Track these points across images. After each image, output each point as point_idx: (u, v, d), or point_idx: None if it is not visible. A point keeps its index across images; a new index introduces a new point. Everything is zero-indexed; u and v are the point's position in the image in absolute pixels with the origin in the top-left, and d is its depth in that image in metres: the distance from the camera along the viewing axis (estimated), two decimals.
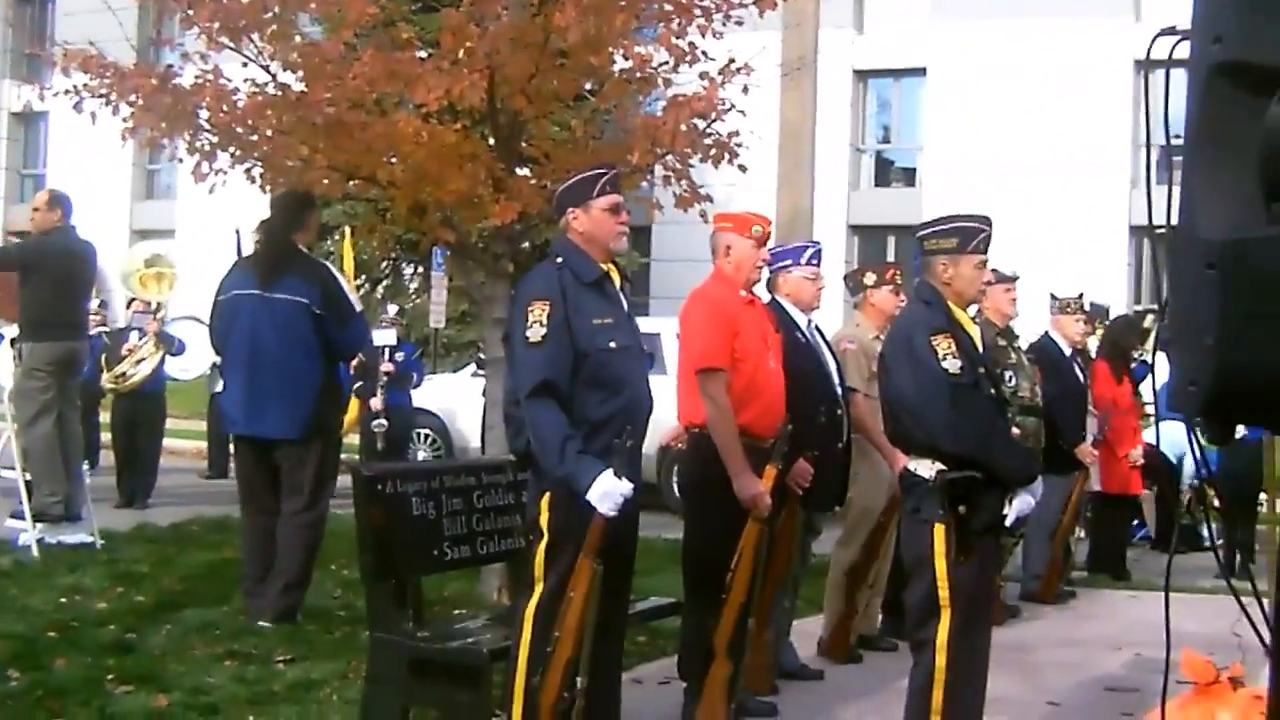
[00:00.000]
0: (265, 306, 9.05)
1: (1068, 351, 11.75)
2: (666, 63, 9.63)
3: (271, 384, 9.04)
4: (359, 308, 9.58)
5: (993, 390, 6.29)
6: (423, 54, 9.43)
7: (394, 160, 9.09)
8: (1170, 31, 2.68)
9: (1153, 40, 2.73)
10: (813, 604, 9.55)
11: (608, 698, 6.44)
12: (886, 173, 38.57)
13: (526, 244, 10.17)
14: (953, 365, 5.96)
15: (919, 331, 6.11)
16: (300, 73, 9.06)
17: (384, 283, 30.56)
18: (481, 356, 11.36)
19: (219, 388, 18.31)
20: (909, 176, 37.89)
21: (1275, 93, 2.41)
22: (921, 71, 35.53)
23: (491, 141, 9.45)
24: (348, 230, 21.26)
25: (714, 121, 9.58)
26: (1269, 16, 2.43)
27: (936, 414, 5.96)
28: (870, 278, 9.61)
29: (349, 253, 20.65)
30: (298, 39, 9.07)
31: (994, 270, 10.86)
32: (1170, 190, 2.68)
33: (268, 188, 9.63)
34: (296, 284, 9.06)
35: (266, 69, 9.20)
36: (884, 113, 38.65)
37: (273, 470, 9.17)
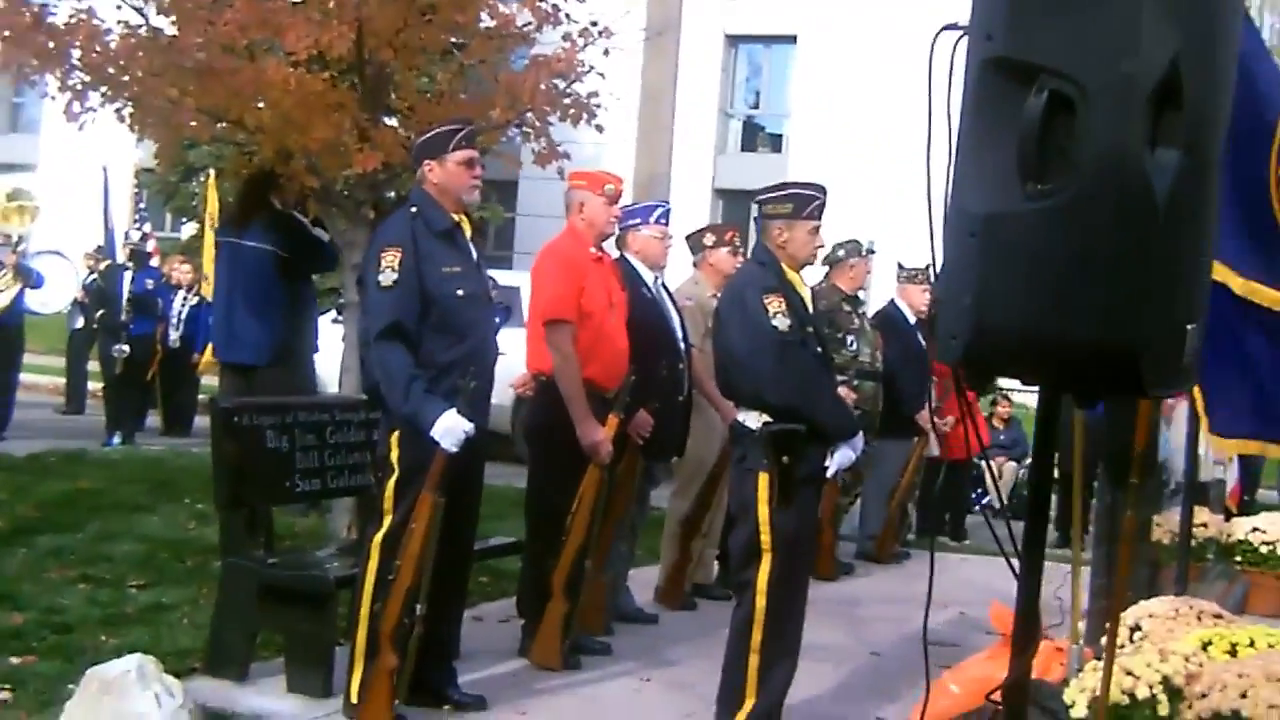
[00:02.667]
0: (237, 251, 10.15)
1: (912, 320, 12.09)
2: (530, 23, 9.85)
3: (243, 317, 10.06)
4: (325, 237, 10.10)
5: (819, 349, 6.61)
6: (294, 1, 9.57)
7: (261, 106, 9.22)
8: (952, 27, 2.99)
9: (936, 35, 3.04)
10: (651, 553, 9.86)
11: (448, 630, 6.75)
12: (754, 138, 38.92)
13: (391, 193, 10.36)
14: (782, 323, 6.25)
15: (752, 290, 6.40)
16: (173, 16, 9.15)
17: None
18: (341, 302, 11.50)
19: (79, 324, 18.42)
20: (776, 142, 38.25)
21: (1033, 85, 2.75)
22: (792, 39, 35.85)
23: (358, 92, 9.61)
24: (212, 172, 21.23)
25: (573, 82, 9.81)
26: (1031, 18, 2.77)
27: (764, 368, 6.25)
28: (709, 238, 9.87)
29: (213, 194, 20.64)
30: None
31: (855, 242, 11.30)
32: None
33: (136, 128, 9.74)
34: (263, 233, 10.03)
35: (140, 11, 9.28)
36: (754, 78, 38.99)
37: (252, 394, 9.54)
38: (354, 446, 7.63)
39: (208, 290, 19.07)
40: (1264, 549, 10.18)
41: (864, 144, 32.41)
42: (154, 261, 18.52)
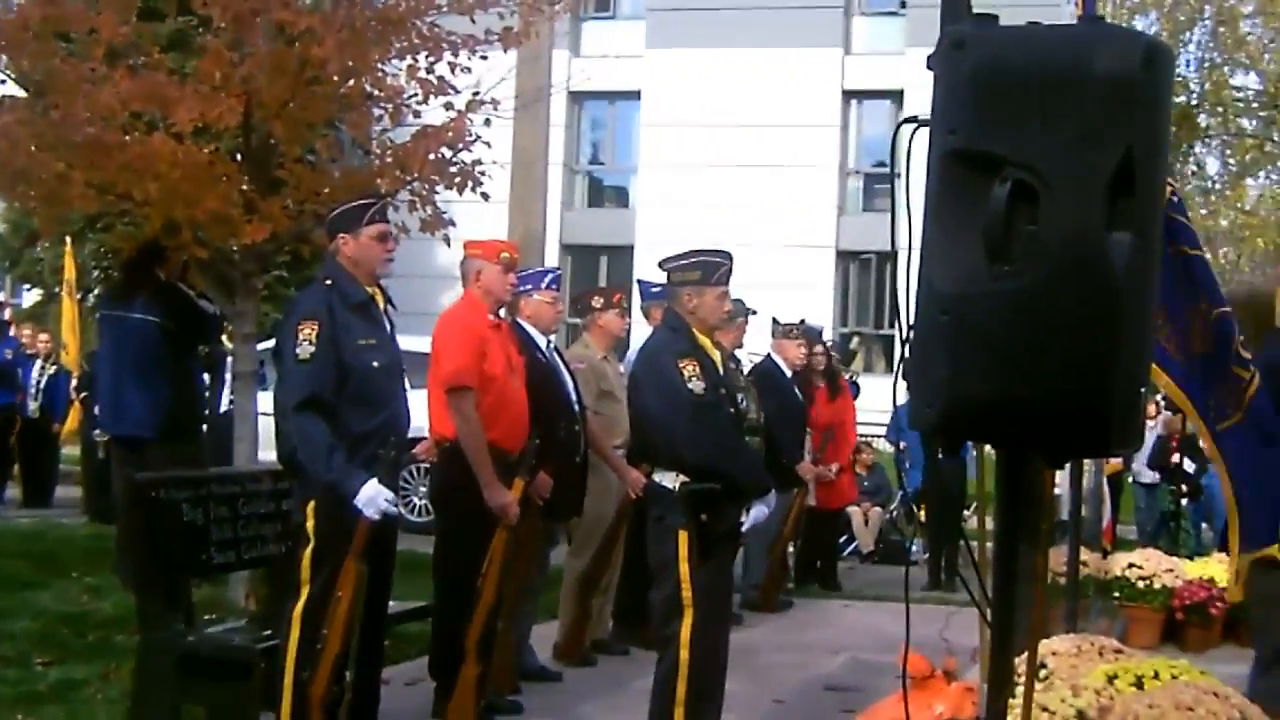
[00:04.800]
0: (123, 324, 10.01)
1: (789, 374, 12.37)
2: (415, 94, 10.03)
3: (130, 390, 9.94)
4: (211, 310, 10.10)
5: (732, 410, 6.85)
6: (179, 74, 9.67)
7: (149, 179, 9.27)
8: (912, 120, 3.24)
9: (897, 127, 3.28)
10: (548, 611, 9.99)
11: (369, 695, 6.86)
12: (600, 193, 39.24)
13: (283, 262, 10.48)
14: (697, 386, 6.49)
15: (666, 355, 6.64)
16: (57, 92, 9.19)
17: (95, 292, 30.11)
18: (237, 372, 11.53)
19: None
20: (622, 197, 38.61)
21: (997, 175, 3.00)
22: (636, 95, 36.23)
23: (244, 164, 9.71)
24: (69, 239, 21.10)
25: (459, 151, 10.01)
26: (994, 114, 3.03)
27: (680, 430, 6.49)
28: (597, 301, 10.04)
29: (70, 261, 20.52)
30: (57, 60, 9.19)
31: (739, 302, 11.56)
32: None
33: (18, 203, 9.77)
34: (148, 305, 9.87)
35: (25, 87, 9.32)
36: (599, 134, 39.36)
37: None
38: (265, 517, 7.73)
39: (67, 359, 18.95)
40: (1141, 584, 10.57)
41: (716, 198, 32.84)
42: (11, 331, 18.31)
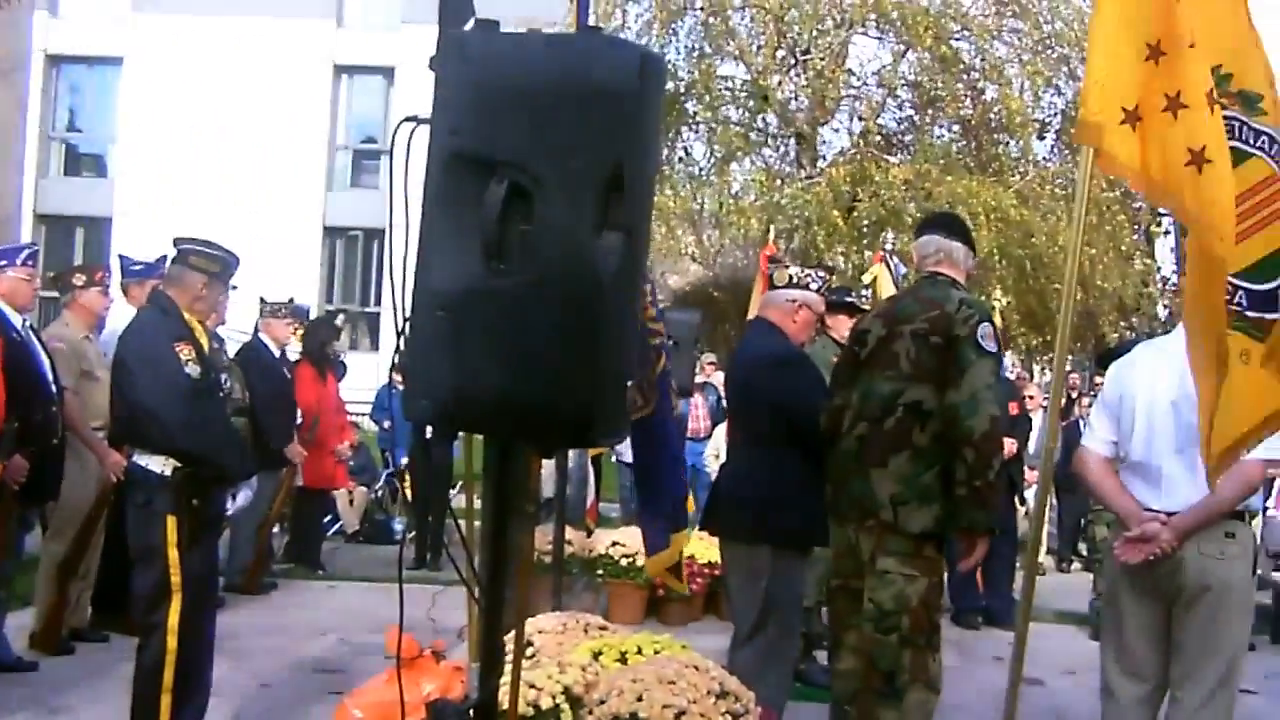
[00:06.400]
0: None
1: (277, 354, 12.25)
2: None
3: None
4: None
5: (221, 393, 6.79)
6: None
7: None
8: (413, 119, 3.31)
9: (397, 125, 3.35)
10: (22, 598, 9.63)
11: None
12: (77, 162, 37.96)
13: None
14: (194, 370, 6.40)
15: (161, 337, 6.51)
16: None
17: None
18: None
19: None
20: (100, 167, 37.45)
21: (494, 175, 3.11)
22: (119, 61, 35.19)
23: None
24: None
25: None
26: (493, 117, 3.14)
27: (175, 415, 6.36)
28: (79, 278, 9.68)
29: None
30: None
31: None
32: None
33: None
34: None
35: None
36: (76, 100, 38.05)
37: None
38: None
39: None
40: (624, 561, 10.97)
41: (203, 170, 32.22)
42: None
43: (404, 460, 15.54)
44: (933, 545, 6.13)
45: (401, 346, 3.28)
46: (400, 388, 3.63)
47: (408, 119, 3.32)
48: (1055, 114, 27.27)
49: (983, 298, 21.77)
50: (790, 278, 7.43)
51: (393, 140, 3.34)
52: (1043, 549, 16.80)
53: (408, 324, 3.26)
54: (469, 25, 3.40)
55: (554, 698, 5.66)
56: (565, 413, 3.18)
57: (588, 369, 3.15)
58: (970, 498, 5.97)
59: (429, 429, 3.42)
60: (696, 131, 29.21)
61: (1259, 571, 11.88)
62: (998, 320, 16.84)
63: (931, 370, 6.09)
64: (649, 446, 7.69)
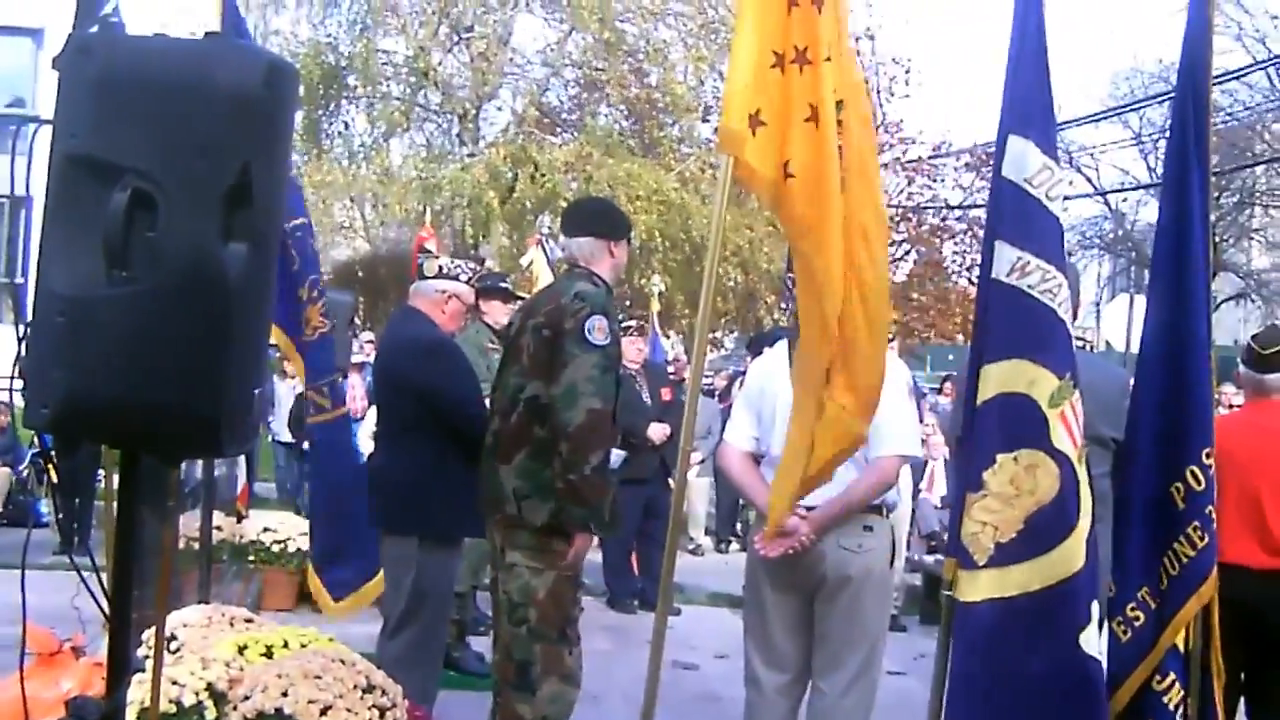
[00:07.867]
0: None
1: None
2: None
3: None
4: None
5: None
6: None
7: None
8: (35, 119, 3.24)
9: (36, 130, 3.26)
10: None
11: None
12: None
13: None
14: None
15: None
16: None
17: None
18: None
19: None
20: None
21: (118, 182, 3.07)
22: None
23: None
24: None
25: None
26: (116, 121, 3.09)
27: None
28: None
29: None
30: None
31: None
32: None
33: None
34: None
35: None
36: None
37: None
38: None
39: None
40: (275, 547, 10.85)
41: None
42: None
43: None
44: (561, 539, 6.03)
45: (22, 351, 3.21)
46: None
47: (30, 119, 3.26)
48: (718, 98, 27.76)
49: (643, 281, 22.15)
50: (440, 268, 7.44)
51: (31, 143, 3.26)
52: (700, 530, 17.19)
53: (28, 328, 3.19)
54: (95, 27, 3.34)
55: (197, 694, 5.56)
56: (190, 422, 3.15)
57: (212, 378, 3.13)
58: (566, 492, 5.91)
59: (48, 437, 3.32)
60: (357, 105, 29.02)
61: (910, 554, 12.41)
62: (655, 305, 17.19)
63: (543, 364, 6.03)
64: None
